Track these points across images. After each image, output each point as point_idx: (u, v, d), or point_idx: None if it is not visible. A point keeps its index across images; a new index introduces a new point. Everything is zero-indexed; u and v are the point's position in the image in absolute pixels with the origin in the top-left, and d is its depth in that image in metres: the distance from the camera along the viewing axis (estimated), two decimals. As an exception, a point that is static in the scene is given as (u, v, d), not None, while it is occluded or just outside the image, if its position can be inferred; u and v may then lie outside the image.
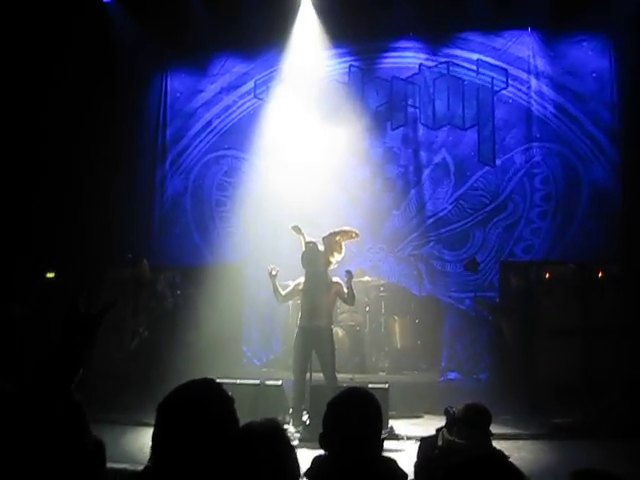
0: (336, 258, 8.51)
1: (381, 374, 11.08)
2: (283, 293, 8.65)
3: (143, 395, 9.17)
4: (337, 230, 8.69)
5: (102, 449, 3.00)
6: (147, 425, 7.90)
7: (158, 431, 2.53)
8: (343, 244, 8.57)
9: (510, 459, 4.66)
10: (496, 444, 7.79)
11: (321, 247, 8.46)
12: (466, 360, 12.51)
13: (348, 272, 8.45)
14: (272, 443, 2.07)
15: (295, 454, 2.15)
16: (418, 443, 5.34)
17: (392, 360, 11.57)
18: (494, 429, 8.30)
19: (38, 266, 11.73)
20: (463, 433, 4.84)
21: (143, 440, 7.35)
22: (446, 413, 5.27)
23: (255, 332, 13.18)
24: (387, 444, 7.73)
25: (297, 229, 8.64)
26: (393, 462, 3.12)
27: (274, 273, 8.45)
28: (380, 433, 3.12)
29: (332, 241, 8.48)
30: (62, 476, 2.31)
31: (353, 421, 3.01)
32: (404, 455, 6.82)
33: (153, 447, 2.51)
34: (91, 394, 9.57)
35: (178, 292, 10.69)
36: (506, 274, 12.15)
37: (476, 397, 10.40)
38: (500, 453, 4.49)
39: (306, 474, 2.99)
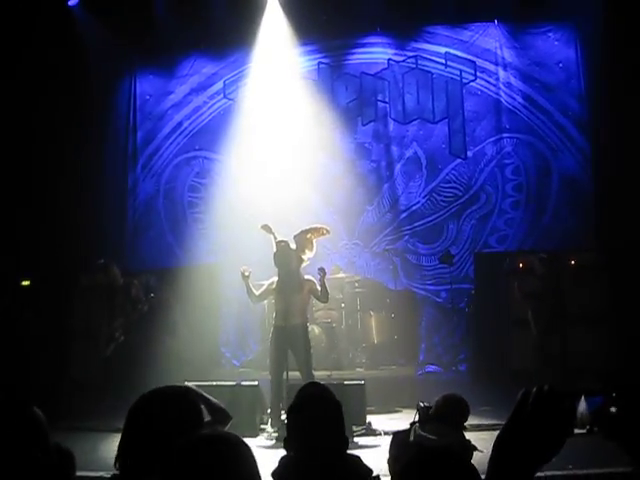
0: (307, 255, 8.50)
1: (359, 370, 11.09)
2: (257, 293, 8.63)
3: (121, 401, 9.11)
4: (308, 228, 8.69)
5: (69, 459, 2.98)
6: (124, 431, 7.84)
7: (124, 438, 2.53)
8: (314, 241, 8.56)
9: (483, 451, 4.69)
10: (475, 435, 7.86)
11: (293, 246, 8.44)
12: (444, 352, 12.58)
13: (321, 269, 8.44)
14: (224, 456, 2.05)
15: (256, 465, 2.13)
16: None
17: (369, 356, 11.58)
18: (473, 420, 8.39)
19: (11, 274, 11.65)
20: (436, 429, 4.83)
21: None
22: (418, 409, 5.25)
23: (233, 332, 13.16)
24: (364, 440, 7.82)
25: (267, 228, 8.62)
26: (357, 459, 3.14)
27: (247, 274, 8.43)
28: (342, 429, 3.13)
29: (303, 239, 8.47)
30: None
31: (312, 423, 3.02)
32: (380, 450, 6.85)
33: (118, 454, 2.51)
34: (68, 401, 9.56)
35: (151, 295, 10.62)
36: (481, 265, 12.26)
37: (455, 389, 10.44)
38: (465, 446, 4.50)
39: (273, 474, 3.01)
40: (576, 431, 1.57)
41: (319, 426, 3.00)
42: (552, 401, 1.53)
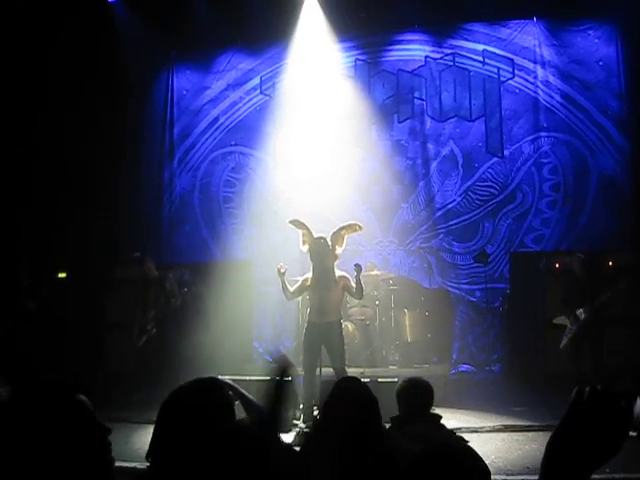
0: (338, 251, 8.48)
1: (392, 368, 11.03)
2: (291, 290, 8.61)
3: (153, 393, 9.18)
4: (344, 225, 8.68)
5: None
6: (157, 423, 7.91)
7: (157, 430, 2.53)
8: (345, 237, 8.54)
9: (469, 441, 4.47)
10: (509, 436, 7.82)
11: (331, 243, 8.43)
12: (478, 352, 12.50)
13: (357, 265, 8.40)
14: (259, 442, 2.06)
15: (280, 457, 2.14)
16: None
17: (403, 353, 11.52)
18: (508, 421, 8.34)
19: (49, 266, 11.78)
20: (420, 430, 4.39)
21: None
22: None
23: (266, 328, 13.19)
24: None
25: (297, 223, 8.58)
26: (391, 454, 3.10)
27: (283, 271, 8.40)
28: (377, 425, 3.10)
29: (337, 235, 8.46)
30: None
31: (347, 417, 2.99)
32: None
33: (151, 445, 2.51)
34: (103, 393, 9.64)
35: (185, 289, 10.68)
36: (516, 265, 12.15)
37: (489, 389, 10.44)
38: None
39: None
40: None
41: (354, 420, 2.98)
42: (608, 401, 1.48)
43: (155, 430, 2.52)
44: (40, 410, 2.03)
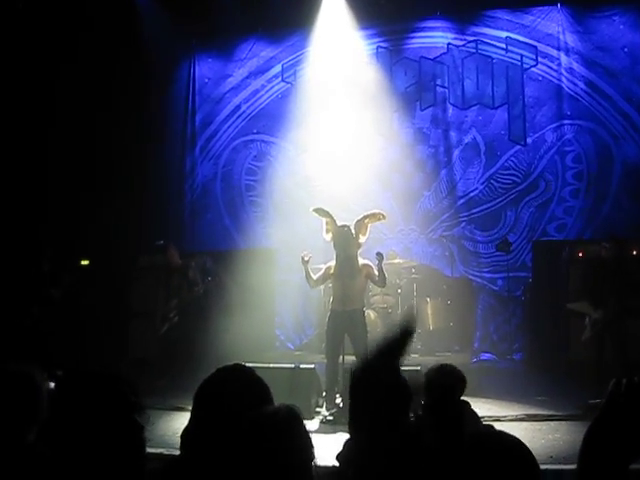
0: (361, 240, 8.50)
1: (414, 356, 11.03)
2: (314, 278, 8.64)
3: (176, 380, 9.26)
4: (367, 213, 8.68)
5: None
6: (181, 409, 7.99)
7: (192, 420, 2.55)
8: (369, 226, 8.55)
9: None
10: (531, 425, 7.81)
11: (353, 231, 8.45)
12: (499, 340, 12.46)
13: (379, 254, 8.42)
14: (284, 430, 2.07)
15: (310, 442, 2.14)
16: None
17: (425, 342, 11.53)
18: (529, 410, 8.33)
19: (72, 254, 11.86)
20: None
21: (177, 425, 7.41)
22: None
23: (288, 316, 13.22)
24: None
25: (321, 212, 8.59)
26: (422, 440, 3.11)
27: (307, 259, 8.44)
28: (406, 413, 3.10)
29: (360, 224, 8.48)
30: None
31: (376, 405, 2.99)
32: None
33: (184, 436, 2.52)
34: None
35: (208, 278, 10.70)
36: (539, 253, 12.10)
37: (510, 378, 10.43)
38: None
39: (337, 457, 3.01)
40: None
41: (382, 407, 2.98)
42: None
43: (193, 416, 2.53)
44: (87, 400, 2.06)
